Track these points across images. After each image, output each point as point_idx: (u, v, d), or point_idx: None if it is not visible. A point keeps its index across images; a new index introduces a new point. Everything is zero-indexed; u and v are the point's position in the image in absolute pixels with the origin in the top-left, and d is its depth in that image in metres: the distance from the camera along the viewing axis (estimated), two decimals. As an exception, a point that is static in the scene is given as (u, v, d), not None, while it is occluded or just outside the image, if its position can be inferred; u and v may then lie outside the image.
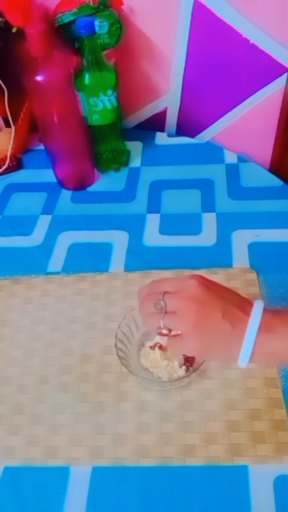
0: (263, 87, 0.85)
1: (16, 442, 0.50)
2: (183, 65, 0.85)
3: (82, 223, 0.76)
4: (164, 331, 0.42)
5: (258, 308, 0.40)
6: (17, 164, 0.89)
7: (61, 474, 0.48)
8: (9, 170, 0.88)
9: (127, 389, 0.54)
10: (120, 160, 0.86)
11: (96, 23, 0.72)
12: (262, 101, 0.87)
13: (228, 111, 0.91)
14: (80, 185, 0.83)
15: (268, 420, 0.50)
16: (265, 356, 0.40)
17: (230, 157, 0.87)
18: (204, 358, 0.48)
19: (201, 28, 0.79)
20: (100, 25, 0.74)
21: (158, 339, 0.56)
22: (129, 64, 0.86)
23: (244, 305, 0.41)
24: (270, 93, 0.85)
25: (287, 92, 0.84)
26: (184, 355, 0.55)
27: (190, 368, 0.53)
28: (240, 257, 0.67)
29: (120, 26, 0.76)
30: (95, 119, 0.78)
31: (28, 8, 0.73)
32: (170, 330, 0.42)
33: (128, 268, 0.68)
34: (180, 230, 0.73)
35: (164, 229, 0.74)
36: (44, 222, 0.77)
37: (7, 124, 0.85)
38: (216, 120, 0.93)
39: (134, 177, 0.85)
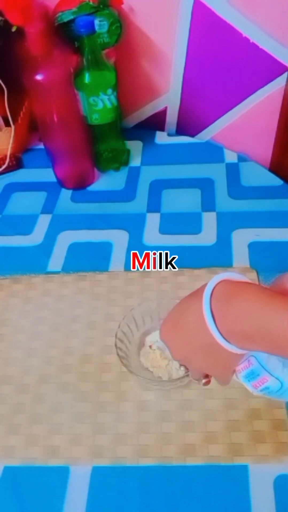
0: (263, 86, 0.85)
1: (16, 442, 0.50)
2: (183, 64, 0.85)
3: (82, 223, 0.76)
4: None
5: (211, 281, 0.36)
6: (17, 164, 0.89)
7: (61, 474, 0.48)
8: (9, 169, 0.88)
9: (127, 388, 0.54)
10: (120, 159, 0.86)
11: (96, 22, 0.72)
12: (262, 101, 0.87)
13: (228, 111, 0.91)
14: (80, 184, 0.83)
15: (268, 419, 0.50)
16: (235, 327, 0.34)
17: (230, 157, 0.87)
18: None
19: (201, 27, 0.79)
20: (100, 24, 0.74)
21: (157, 337, 0.56)
22: (129, 63, 0.86)
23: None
24: (270, 92, 0.85)
25: (287, 91, 0.84)
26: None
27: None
28: (240, 257, 0.67)
29: (120, 25, 0.76)
30: (95, 118, 0.78)
31: (28, 7, 0.73)
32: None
33: (129, 267, 0.68)
34: (180, 230, 0.73)
35: (164, 229, 0.74)
36: (44, 221, 0.77)
37: (7, 124, 0.85)
38: (216, 119, 0.93)
39: (134, 176, 0.85)
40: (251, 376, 0.38)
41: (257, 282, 0.63)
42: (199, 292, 0.36)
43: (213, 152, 0.89)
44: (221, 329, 0.34)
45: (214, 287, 0.35)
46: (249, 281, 0.36)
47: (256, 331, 0.32)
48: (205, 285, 0.36)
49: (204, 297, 0.35)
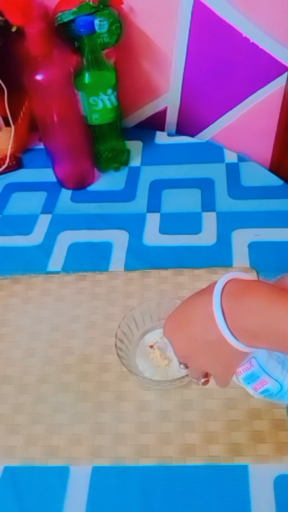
0: (263, 86, 0.85)
1: (16, 442, 0.50)
2: (183, 64, 0.85)
3: (82, 223, 0.76)
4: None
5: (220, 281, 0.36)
6: (17, 164, 0.89)
7: (61, 474, 0.48)
8: (9, 169, 0.88)
9: (127, 388, 0.54)
10: (120, 159, 0.86)
11: (96, 22, 0.72)
12: (262, 101, 0.87)
13: (228, 111, 0.91)
14: (80, 184, 0.83)
15: (268, 419, 0.50)
16: (245, 325, 0.34)
17: (230, 157, 0.87)
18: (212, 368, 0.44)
19: (201, 27, 0.79)
20: (100, 24, 0.74)
21: (158, 337, 0.57)
22: (129, 63, 0.86)
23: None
24: (270, 92, 0.85)
25: (287, 91, 0.84)
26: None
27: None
28: (240, 257, 0.67)
29: (120, 25, 0.76)
30: (95, 118, 0.78)
31: (28, 7, 0.73)
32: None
33: (128, 267, 0.68)
34: (180, 230, 0.73)
35: (164, 229, 0.74)
36: (44, 221, 0.77)
37: (7, 124, 0.85)
38: (216, 119, 0.93)
39: (134, 176, 0.85)
40: (251, 378, 0.38)
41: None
42: (207, 290, 0.37)
43: (213, 152, 0.89)
44: (230, 325, 0.34)
45: (225, 285, 0.35)
46: (259, 279, 0.36)
47: (265, 328, 0.33)
48: (213, 283, 0.36)
49: (214, 293, 0.35)
